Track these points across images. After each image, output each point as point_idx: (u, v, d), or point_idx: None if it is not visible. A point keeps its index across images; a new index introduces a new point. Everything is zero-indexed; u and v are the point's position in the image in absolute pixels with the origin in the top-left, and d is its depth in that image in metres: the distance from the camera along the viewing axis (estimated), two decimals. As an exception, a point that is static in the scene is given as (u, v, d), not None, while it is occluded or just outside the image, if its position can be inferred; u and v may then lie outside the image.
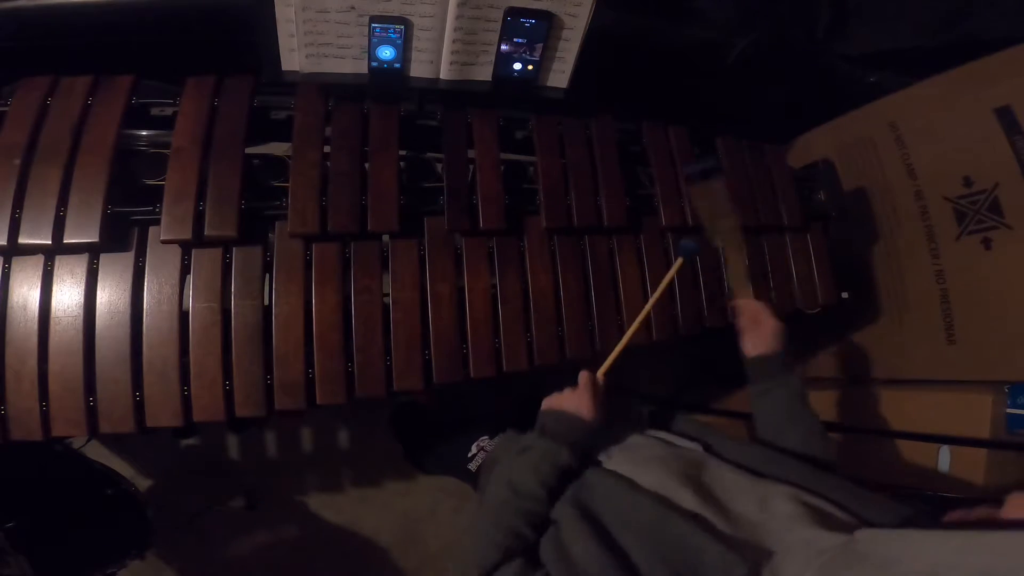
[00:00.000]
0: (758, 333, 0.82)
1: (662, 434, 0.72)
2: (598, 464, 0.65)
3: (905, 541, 0.40)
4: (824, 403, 1.38)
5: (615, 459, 0.65)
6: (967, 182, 1.16)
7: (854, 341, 1.38)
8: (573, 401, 0.69)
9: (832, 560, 0.41)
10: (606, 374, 0.75)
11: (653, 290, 0.97)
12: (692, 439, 0.69)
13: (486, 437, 1.00)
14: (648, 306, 0.84)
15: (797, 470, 0.58)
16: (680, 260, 0.87)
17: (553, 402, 0.71)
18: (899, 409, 1.21)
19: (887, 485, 1.52)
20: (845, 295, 1.12)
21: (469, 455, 0.99)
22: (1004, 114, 1.11)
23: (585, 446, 0.66)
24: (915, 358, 1.25)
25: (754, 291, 1.00)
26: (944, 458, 1.11)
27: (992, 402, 1.07)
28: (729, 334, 1.05)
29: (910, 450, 1.14)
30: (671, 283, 0.87)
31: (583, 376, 0.72)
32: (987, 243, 1.13)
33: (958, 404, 1.12)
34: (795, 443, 0.71)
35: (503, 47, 0.86)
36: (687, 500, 0.52)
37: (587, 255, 0.94)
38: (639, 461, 0.62)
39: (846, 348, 1.41)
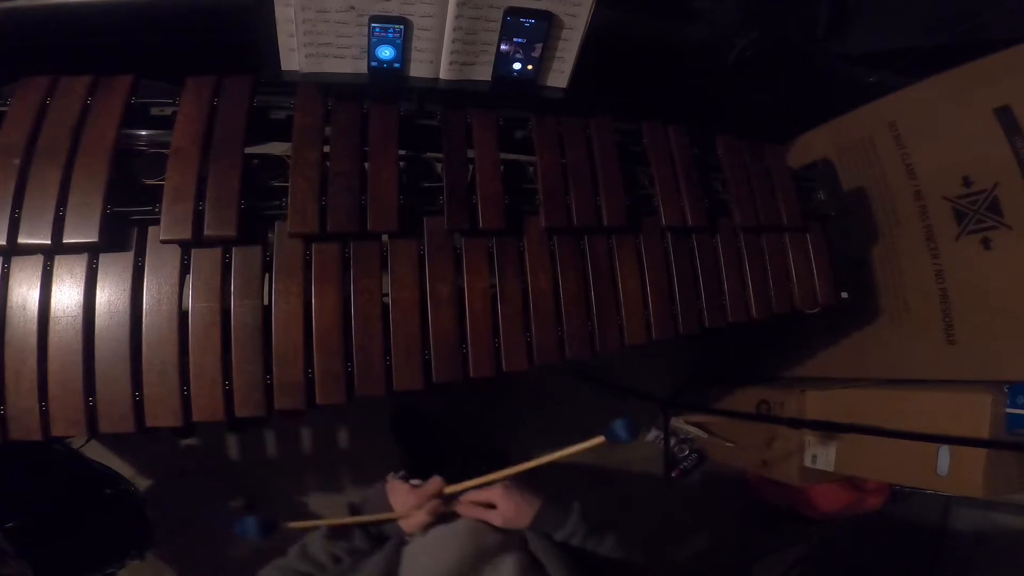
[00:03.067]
0: (505, 515, 0.68)
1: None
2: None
3: None
4: (823, 403, 1.38)
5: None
6: (966, 182, 1.16)
7: (853, 341, 1.39)
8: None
9: None
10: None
11: (652, 287, 0.96)
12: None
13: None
14: None
15: None
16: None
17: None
18: (898, 409, 1.21)
19: (885, 486, 1.52)
20: (844, 295, 1.12)
21: None
22: (1004, 114, 1.11)
23: None
24: (914, 358, 1.25)
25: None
26: (944, 458, 1.12)
27: (992, 402, 1.07)
28: (730, 334, 1.06)
29: (910, 450, 1.14)
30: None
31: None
32: (987, 243, 1.13)
33: (957, 404, 1.12)
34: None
35: (503, 47, 0.86)
36: None
37: (586, 255, 0.94)
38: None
39: (845, 348, 1.41)
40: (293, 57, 0.88)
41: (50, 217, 0.72)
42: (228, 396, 0.76)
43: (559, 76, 0.94)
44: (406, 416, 1.56)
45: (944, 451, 1.12)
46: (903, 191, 1.25)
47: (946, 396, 1.16)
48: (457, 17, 0.84)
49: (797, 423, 1.34)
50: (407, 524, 0.69)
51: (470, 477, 0.73)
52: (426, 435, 1.51)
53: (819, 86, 1.34)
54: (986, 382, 1.11)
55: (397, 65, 0.86)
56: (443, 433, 1.30)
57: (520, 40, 0.85)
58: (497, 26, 0.85)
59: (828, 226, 1.13)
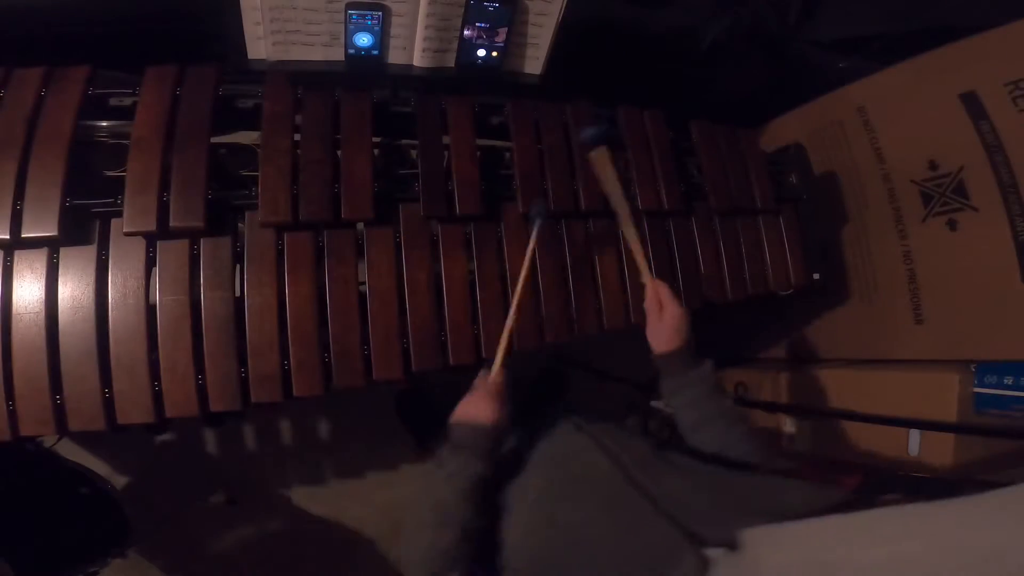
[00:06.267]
0: (660, 326, 0.76)
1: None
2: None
3: (788, 535, 0.37)
4: (793, 384, 1.41)
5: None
6: (933, 165, 1.19)
7: (824, 322, 1.42)
8: (473, 408, 0.68)
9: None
10: (503, 367, 0.73)
11: (630, 270, 0.97)
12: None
13: None
14: (522, 280, 0.77)
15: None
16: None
17: (458, 413, 0.69)
18: (867, 389, 1.24)
19: (858, 466, 1.56)
20: (816, 276, 1.14)
21: None
22: (969, 99, 1.13)
23: (496, 451, 0.66)
24: (883, 338, 1.28)
25: (656, 270, 0.90)
26: (914, 439, 1.15)
27: (959, 381, 1.10)
28: (706, 316, 1.07)
29: (880, 431, 1.17)
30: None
31: (478, 380, 0.71)
32: (952, 224, 1.16)
33: (925, 384, 1.16)
34: (712, 443, 0.69)
35: (466, 32, 0.85)
36: None
37: (564, 239, 0.94)
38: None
39: (816, 329, 1.44)
40: (260, 45, 0.86)
41: (7, 211, 0.70)
42: (202, 390, 0.75)
43: (534, 62, 0.93)
44: (411, 402, 1.55)
45: (915, 431, 1.15)
46: (872, 174, 1.28)
47: (915, 376, 1.19)
48: (430, 3, 0.83)
49: (772, 407, 1.36)
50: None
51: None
52: (439, 418, 1.49)
53: (791, 72, 1.36)
54: (954, 361, 1.14)
55: (376, 52, 0.85)
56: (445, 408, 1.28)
57: (483, 24, 0.84)
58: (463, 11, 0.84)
59: (800, 209, 1.15)
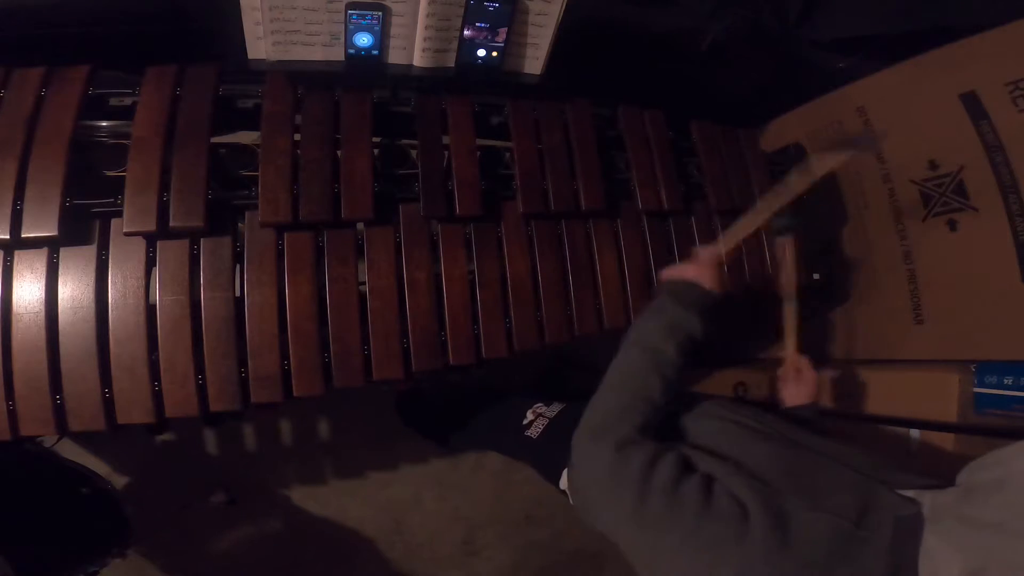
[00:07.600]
0: (800, 387, 0.88)
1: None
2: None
3: (998, 459, 0.44)
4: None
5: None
6: (933, 165, 1.19)
7: (824, 322, 1.41)
8: (697, 272, 0.72)
9: (950, 506, 0.45)
10: (732, 250, 0.81)
11: (630, 271, 0.97)
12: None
13: (541, 404, 0.98)
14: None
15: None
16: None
17: (676, 272, 0.73)
18: (867, 389, 1.24)
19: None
20: (816, 276, 1.14)
21: (525, 422, 0.96)
22: (969, 100, 1.13)
23: (710, 318, 0.69)
24: (883, 338, 1.28)
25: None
26: (914, 437, 1.15)
27: (959, 381, 1.09)
28: (708, 315, 1.07)
29: (882, 429, 1.17)
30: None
31: (705, 250, 0.76)
32: (952, 224, 1.16)
33: (925, 384, 1.15)
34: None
35: (466, 32, 0.85)
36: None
37: (564, 239, 0.94)
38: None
39: (816, 329, 1.44)
40: (260, 45, 0.86)
41: (7, 211, 0.70)
42: (202, 390, 0.75)
43: (534, 62, 0.93)
44: (411, 401, 1.54)
45: (915, 431, 1.15)
46: (871, 174, 1.28)
47: (915, 376, 1.18)
48: (430, 3, 0.83)
49: (771, 408, 1.36)
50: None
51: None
52: (447, 412, 1.48)
53: (791, 72, 1.36)
54: (954, 361, 1.14)
55: (375, 52, 0.85)
56: (470, 405, 1.27)
57: (483, 24, 0.84)
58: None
59: (799, 209, 1.15)
